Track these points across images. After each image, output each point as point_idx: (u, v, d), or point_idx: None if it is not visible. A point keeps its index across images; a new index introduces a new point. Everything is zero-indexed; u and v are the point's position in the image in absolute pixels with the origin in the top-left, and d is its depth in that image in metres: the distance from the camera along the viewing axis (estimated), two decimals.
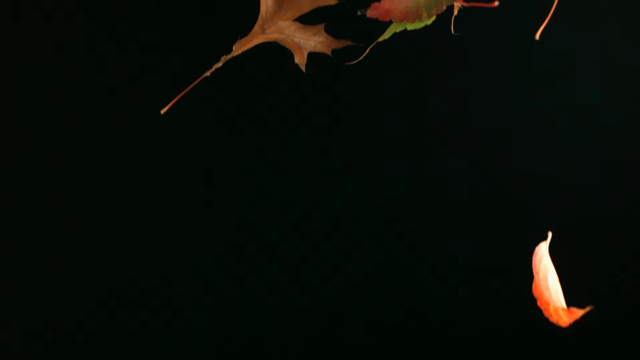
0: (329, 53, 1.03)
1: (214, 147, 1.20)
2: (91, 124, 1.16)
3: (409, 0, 0.96)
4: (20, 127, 1.15)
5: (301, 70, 1.03)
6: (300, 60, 1.03)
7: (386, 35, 0.99)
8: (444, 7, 0.97)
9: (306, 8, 1.02)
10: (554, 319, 0.90)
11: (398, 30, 0.98)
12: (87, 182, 1.17)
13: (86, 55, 1.16)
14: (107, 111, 1.17)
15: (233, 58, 1.02)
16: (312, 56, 1.03)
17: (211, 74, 1.01)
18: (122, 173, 1.18)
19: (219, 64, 1.01)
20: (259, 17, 1.01)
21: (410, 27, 0.97)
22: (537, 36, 1.00)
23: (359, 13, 0.98)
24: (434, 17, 0.97)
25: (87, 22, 1.15)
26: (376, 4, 0.98)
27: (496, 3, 0.94)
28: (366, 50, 1.01)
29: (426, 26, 0.98)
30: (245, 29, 1.02)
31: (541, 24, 0.99)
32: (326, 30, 1.03)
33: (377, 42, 0.99)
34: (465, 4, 0.96)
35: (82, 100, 1.16)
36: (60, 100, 1.16)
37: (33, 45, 1.16)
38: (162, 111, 1.02)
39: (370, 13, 0.98)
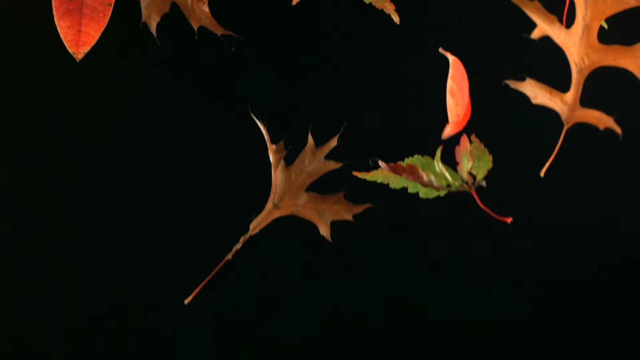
0: (352, 219, 1.02)
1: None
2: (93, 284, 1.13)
3: (422, 176, 0.98)
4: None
5: (327, 240, 1.01)
6: (325, 231, 1.01)
7: (397, 184, 0.99)
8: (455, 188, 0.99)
9: (315, 175, 1.02)
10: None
11: (411, 191, 0.99)
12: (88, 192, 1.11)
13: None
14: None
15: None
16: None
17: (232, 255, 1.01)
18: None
19: (238, 246, 1.01)
20: (271, 192, 1.01)
21: (423, 194, 0.99)
22: (542, 173, 1.00)
23: (370, 162, 0.98)
24: (446, 191, 0.99)
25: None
26: (388, 163, 0.99)
27: (510, 220, 0.99)
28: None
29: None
30: (259, 205, 1.02)
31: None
32: (345, 197, 1.02)
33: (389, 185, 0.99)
34: (480, 203, 0.99)
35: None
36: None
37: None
38: (186, 301, 1.01)
39: (382, 164, 0.98)
